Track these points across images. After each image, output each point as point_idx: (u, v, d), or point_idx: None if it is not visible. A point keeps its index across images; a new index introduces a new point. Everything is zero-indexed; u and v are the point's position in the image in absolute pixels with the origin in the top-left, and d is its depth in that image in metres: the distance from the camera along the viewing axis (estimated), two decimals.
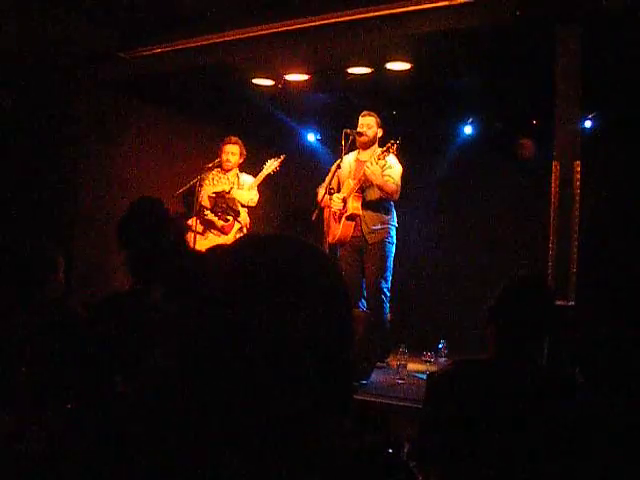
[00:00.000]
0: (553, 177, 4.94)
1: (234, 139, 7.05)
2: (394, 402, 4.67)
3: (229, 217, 6.84)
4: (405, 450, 2.45)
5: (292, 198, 8.76)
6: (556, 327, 2.43)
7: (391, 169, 6.10)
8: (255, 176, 7.06)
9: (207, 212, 6.90)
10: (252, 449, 0.98)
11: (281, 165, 7.01)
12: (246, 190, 6.97)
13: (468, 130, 8.01)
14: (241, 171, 7.15)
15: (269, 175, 7.02)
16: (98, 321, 2.87)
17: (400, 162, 6.23)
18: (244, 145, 7.10)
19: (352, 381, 1.08)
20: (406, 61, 6.19)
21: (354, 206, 6.14)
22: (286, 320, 1.00)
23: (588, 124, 7.04)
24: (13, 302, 3.30)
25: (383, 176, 6.02)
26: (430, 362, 5.93)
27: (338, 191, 6.32)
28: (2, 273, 3.45)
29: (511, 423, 2.14)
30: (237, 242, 1.20)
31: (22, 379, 3.06)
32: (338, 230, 6.20)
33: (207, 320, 1.03)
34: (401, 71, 6.33)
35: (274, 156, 7.06)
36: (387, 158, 6.02)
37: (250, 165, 7.21)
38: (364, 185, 6.13)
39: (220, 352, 1.00)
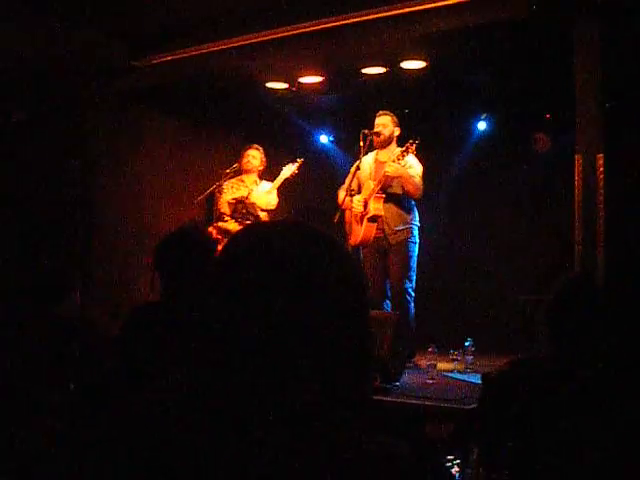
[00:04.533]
0: (576, 171, 4.88)
1: (256, 145, 7.06)
2: (427, 402, 4.62)
3: (248, 222, 6.80)
4: (474, 456, 2.42)
5: (311, 202, 8.72)
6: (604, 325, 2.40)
7: (412, 169, 6.05)
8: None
9: (227, 218, 6.87)
10: (259, 440, 0.93)
11: (299, 169, 6.96)
12: (265, 194, 6.94)
13: (482, 126, 7.97)
14: (261, 179, 7.12)
15: (288, 179, 6.95)
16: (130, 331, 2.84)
17: (420, 162, 6.20)
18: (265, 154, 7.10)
19: (370, 378, 1.03)
20: (421, 59, 6.17)
21: (375, 207, 6.08)
22: (300, 309, 0.96)
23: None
24: (27, 318, 3.25)
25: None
26: (458, 360, 5.90)
27: (359, 193, 6.27)
28: (19, 289, 3.43)
29: (573, 421, 2.12)
30: (244, 230, 1.12)
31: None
32: (360, 232, 6.14)
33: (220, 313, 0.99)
34: (416, 69, 6.32)
35: (292, 161, 7.01)
36: (407, 158, 5.98)
37: (269, 172, 7.17)
38: (385, 186, 6.08)
39: (230, 344, 0.97)
